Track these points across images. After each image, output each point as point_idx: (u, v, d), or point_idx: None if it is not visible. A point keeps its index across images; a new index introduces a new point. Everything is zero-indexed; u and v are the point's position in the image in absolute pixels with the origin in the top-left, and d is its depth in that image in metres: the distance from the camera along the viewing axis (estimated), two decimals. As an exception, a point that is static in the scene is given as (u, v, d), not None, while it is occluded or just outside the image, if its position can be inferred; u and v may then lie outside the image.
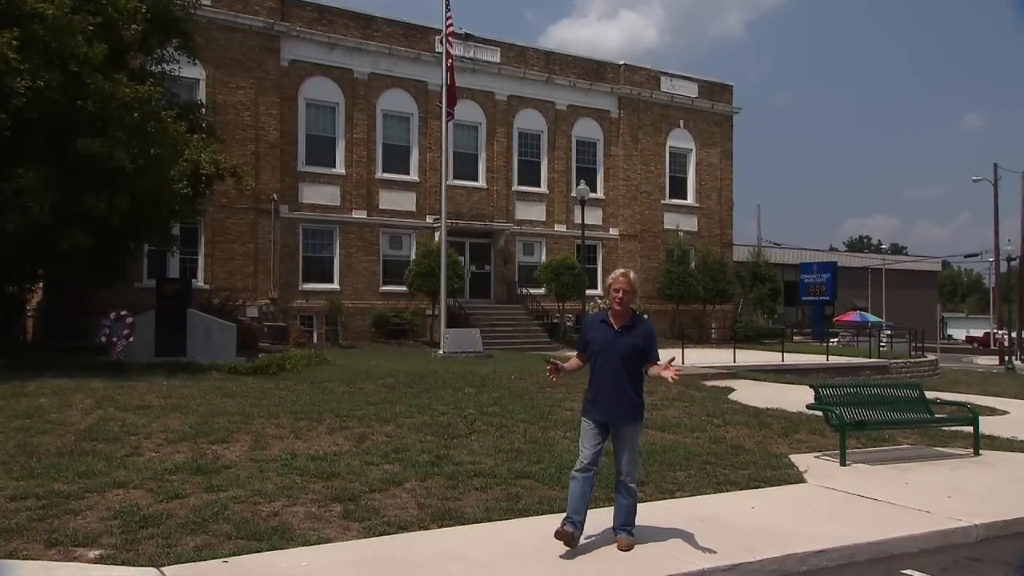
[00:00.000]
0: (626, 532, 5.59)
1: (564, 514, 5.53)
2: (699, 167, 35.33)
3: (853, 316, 43.60)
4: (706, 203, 35.53)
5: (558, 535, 5.35)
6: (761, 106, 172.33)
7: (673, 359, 5.62)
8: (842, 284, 42.59)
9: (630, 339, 5.59)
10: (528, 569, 5.07)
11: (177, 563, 5.03)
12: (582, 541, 5.51)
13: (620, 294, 5.63)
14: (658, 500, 6.99)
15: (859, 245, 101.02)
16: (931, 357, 30.15)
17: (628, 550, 5.43)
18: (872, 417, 9.41)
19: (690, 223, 34.93)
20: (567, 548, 5.34)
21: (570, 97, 32.22)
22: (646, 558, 5.35)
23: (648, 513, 6.53)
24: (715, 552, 5.50)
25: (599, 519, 5.90)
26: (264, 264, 25.95)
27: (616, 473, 5.67)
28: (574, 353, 5.94)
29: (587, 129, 32.86)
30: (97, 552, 5.21)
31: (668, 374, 5.41)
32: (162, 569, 4.93)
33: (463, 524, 6.08)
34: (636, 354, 5.58)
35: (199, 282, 24.19)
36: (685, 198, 35.14)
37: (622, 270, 5.77)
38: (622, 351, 5.56)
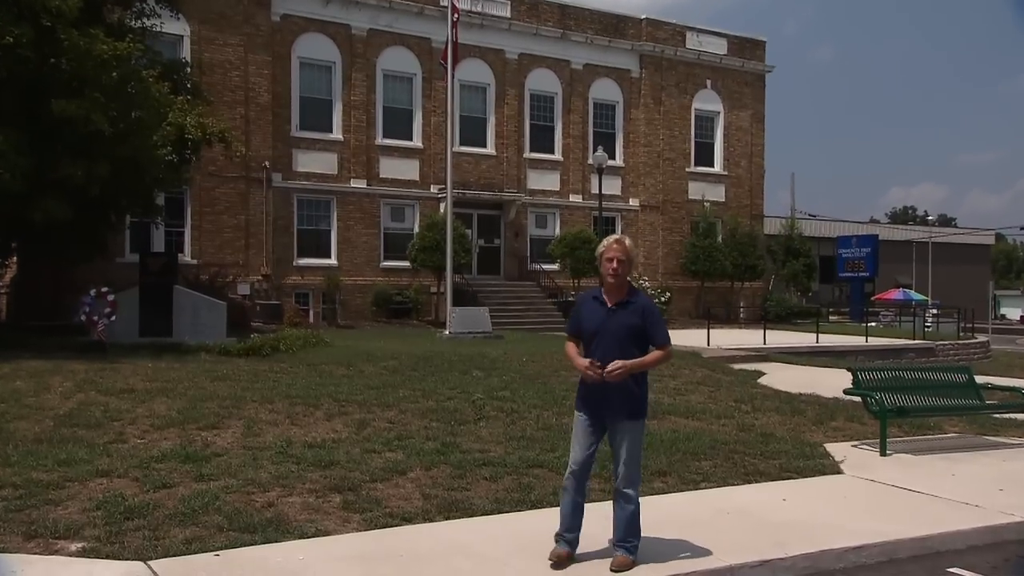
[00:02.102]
0: (625, 549, 5.14)
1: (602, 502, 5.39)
2: (728, 131, 35.06)
3: (896, 294, 43.34)
4: (735, 171, 35.30)
5: (550, 557, 5.09)
6: (797, 64, 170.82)
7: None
8: (884, 259, 42.27)
9: (625, 318, 5.10)
10: (541, 565, 5.10)
11: (165, 556, 5.08)
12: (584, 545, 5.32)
13: (614, 264, 5.10)
14: (681, 492, 7.01)
15: (903, 216, 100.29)
16: (982, 338, 30.02)
17: (626, 570, 5.02)
18: (916, 403, 9.38)
19: (717, 193, 34.74)
20: (556, 572, 5.00)
21: (587, 55, 31.94)
22: (668, 552, 5.36)
23: (671, 505, 6.56)
24: (743, 547, 5.51)
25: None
26: (256, 237, 26.02)
27: (613, 477, 5.27)
28: None
29: (605, 90, 32.61)
30: (79, 545, 5.27)
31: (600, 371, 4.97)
32: (149, 563, 4.97)
33: (471, 516, 6.11)
34: (633, 335, 5.08)
35: (186, 257, 24.30)
36: (712, 166, 34.92)
37: (616, 236, 5.29)
38: (616, 332, 5.06)
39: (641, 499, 6.66)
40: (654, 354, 5.17)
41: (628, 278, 5.25)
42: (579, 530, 5.19)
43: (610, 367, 4.97)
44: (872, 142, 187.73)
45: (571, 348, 5.32)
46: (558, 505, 6.21)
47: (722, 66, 34.77)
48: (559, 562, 5.07)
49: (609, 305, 5.14)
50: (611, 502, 5.33)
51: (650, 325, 5.13)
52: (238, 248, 25.74)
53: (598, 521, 5.49)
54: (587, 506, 5.33)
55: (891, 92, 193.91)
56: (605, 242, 5.23)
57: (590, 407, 5.15)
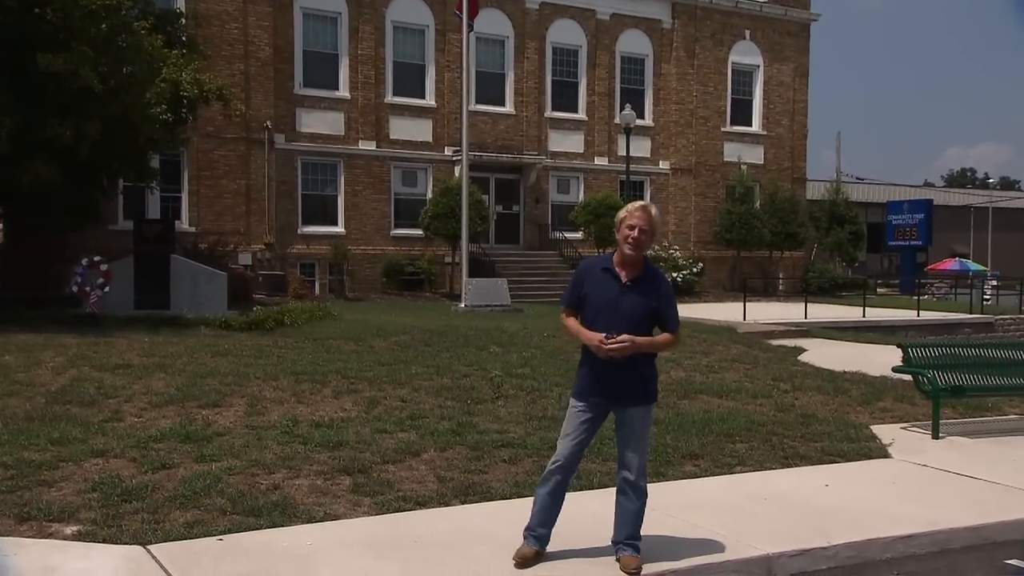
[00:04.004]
0: (632, 548, 4.97)
1: (605, 489, 5.43)
2: (768, 87, 34.65)
3: (951, 264, 42.85)
4: (775, 130, 34.94)
5: (514, 557, 4.93)
6: (844, 11, 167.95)
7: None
8: (938, 226, 41.81)
9: (641, 297, 4.90)
10: (562, 551, 5.12)
11: (165, 540, 5.16)
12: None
13: (636, 233, 4.88)
14: (714, 476, 7.03)
15: (961, 179, 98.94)
16: (1044, 313, 29.64)
17: (636, 572, 4.87)
18: (972, 382, 9.30)
19: (755, 154, 34.42)
20: (520, 570, 4.87)
21: (614, 4, 31.59)
22: (699, 539, 5.38)
23: (702, 490, 6.58)
24: (781, 535, 5.51)
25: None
26: (258, 204, 26.12)
27: (619, 468, 5.09)
28: None
29: (634, 43, 32.27)
30: (75, 528, 5.36)
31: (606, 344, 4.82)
32: (148, 547, 5.05)
33: (489, 500, 6.16)
34: (648, 316, 4.93)
35: (183, 224, 24.45)
36: (750, 125, 34.58)
37: (641, 202, 5.08)
38: (630, 313, 4.87)
39: (671, 484, 6.74)
40: (664, 337, 5.01)
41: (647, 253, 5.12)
42: (552, 526, 5.06)
43: (614, 344, 4.79)
44: (927, 97, 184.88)
45: (573, 322, 5.09)
46: (582, 490, 6.26)
47: (762, 15, 34.29)
48: (523, 562, 4.91)
49: (624, 280, 4.94)
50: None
51: (665, 307, 4.97)
52: (239, 215, 25.86)
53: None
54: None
55: (949, 42, 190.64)
56: (628, 207, 5.04)
57: (596, 393, 4.95)
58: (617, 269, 4.98)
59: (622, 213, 5.02)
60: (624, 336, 4.81)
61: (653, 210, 5.05)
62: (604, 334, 4.83)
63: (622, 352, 4.81)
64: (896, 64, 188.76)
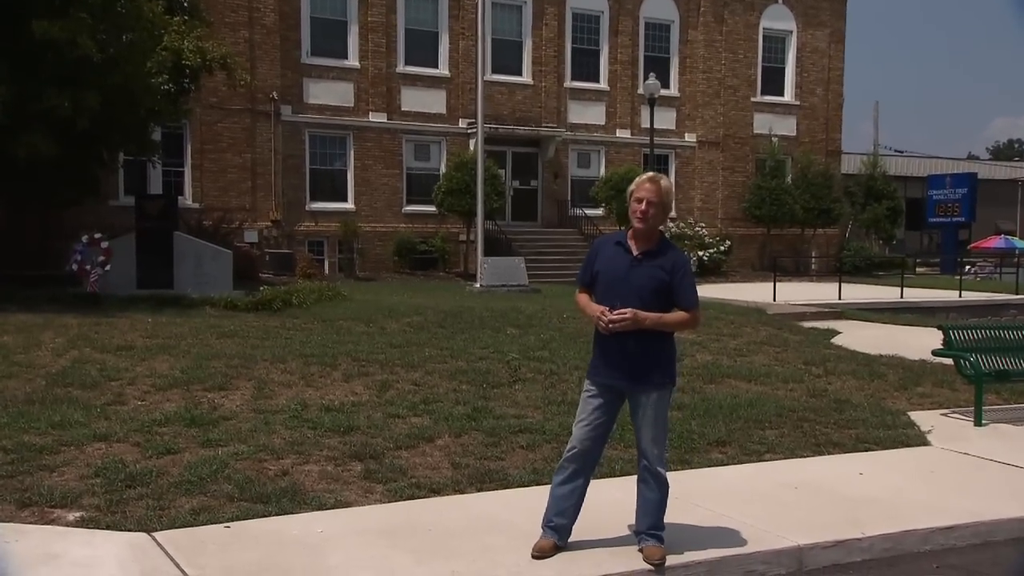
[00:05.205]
0: (655, 538, 4.98)
1: (627, 477, 5.43)
2: (801, 54, 34.32)
3: (996, 241, 42.46)
4: (809, 100, 34.63)
5: (533, 551, 4.93)
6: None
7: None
8: (983, 202, 41.38)
9: (653, 270, 4.88)
10: (581, 541, 5.14)
11: (171, 527, 5.22)
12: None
13: (643, 206, 4.88)
14: (742, 463, 7.04)
15: (1008, 152, 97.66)
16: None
17: (660, 563, 4.88)
18: (1018, 366, 9.25)
19: (787, 126, 34.15)
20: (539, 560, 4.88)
21: (638, -34, 31.35)
22: (726, 529, 5.39)
23: (730, 478, 6.58)
24: (813, 525, 5.51)
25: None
26: (264, 179, 26.18)
27: (639, 456, 5.09)
28: None
29: (659, 8, 32.01)
30: (78, 514, 5.43)
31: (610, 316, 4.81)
32: (153, 535, 5.12)
33: (506, 488, 6.19)
34: (657, 291, 4.88)
35: (186, 200, 24.56)
36: (781, 94, 34.29)
37: (651, 174, 5.05)
38: (641, 287, 4.86)
39: (697, 471, 6.75)
40: (678, 314, 4.96)
41: (661, 227, 5.11)
42: (572, 517, 5.04)
43: (614, 315, 4.77)
44: (972, 63, 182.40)
45: (583, 297, 5.11)
46: (603, 477, 6.26)
47: (796, -22, 33.92)
48: (541, 554, 4.91)
49: (635, 254, 4.94)
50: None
51: (678, 281, 4.91)
52: (244, 190, 25.94)
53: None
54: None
55: (995, 2, 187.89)
56: (637, 179, 5.03)
57: (605, 375, 4.94)
58: (629, 243, 5.00)
59: (631, 186, 5.02)
60: (626, 309, 4.80)
61: (663, 181, 5.01)
62: (607, 307, 4.84)
63: (621, 326, 4.79)
64: (939, 27, 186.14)
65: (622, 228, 4.88)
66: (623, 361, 4.89)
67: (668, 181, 5.11)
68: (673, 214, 31.31)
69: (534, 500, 5.53)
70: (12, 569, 4.57)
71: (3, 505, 5.53)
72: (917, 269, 35.78)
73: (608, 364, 4.95)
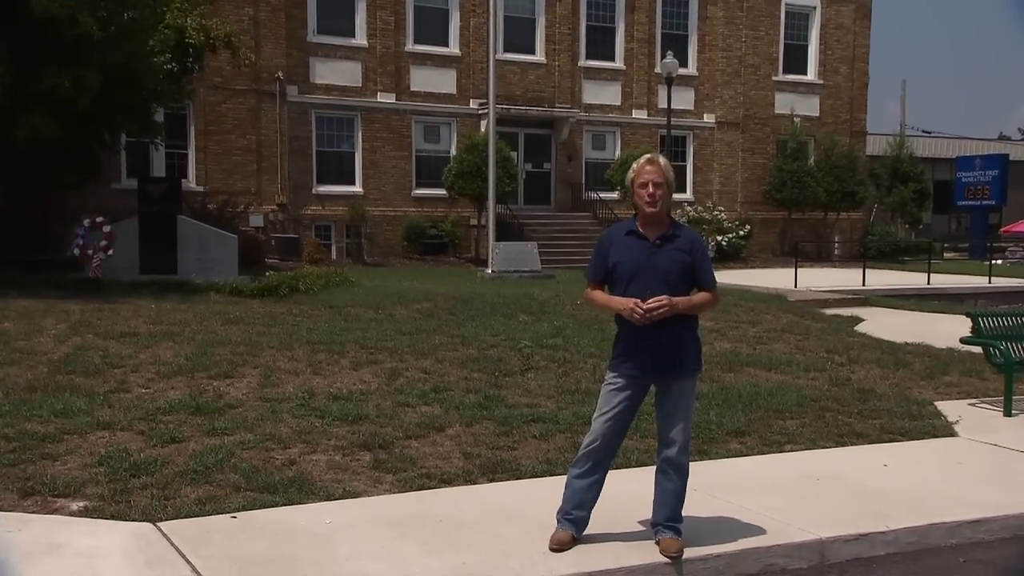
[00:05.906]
0: (673, 531, 4.99)
1: (644, 468, 5.44)
2: (825, 31, 34.07)
3: (1028, 225, 42.22)
4: (832, 79, 34.39)
5: (550, 544, 4.94)
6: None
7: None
8: (1015, 184, 41.02)
9: (675, 253, 4.91)
10: (595, 533, 5.15)
11: (176, 517, 5.26)
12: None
13: (650, 189, 4.90)
14: (762, 454, 7.04)
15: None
16: None
17: (678, 556, 4.89)
18: (1049, 355, 9.20)
19: (810, 106, 33.93)
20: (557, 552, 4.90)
21: (656, -60, 31.16)
22: (745, 522, 5.40)
23: (750, 469, 6.58)
24: (835, 518, 5.51)
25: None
26: (269, 161, 26.21)
27: (660, 446, 5.09)
28: None
29: (677, -18, 31.85)
30: (81, 504, 5.48)
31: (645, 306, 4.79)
32: (158, 524, 5.16)
33: (518, 478, 6.21)
34: (683, 274, 4.92)
35: (190, 183, 24.59)
36: (804, 73, 34.06)
37: (648, 155, 5.05)
38: (665, 271, 4.86)
39: (715, 462, 6.75)
40: (703, 296, 5.00)
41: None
42: (590, 509, 5.06)
43: (650, 303, 4.75)
44: (1005, 40, 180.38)
45: (600, 293, 5.11)
46: (619, 468, 6.27)
47: (819, -48, 33.64)
48: (560, 547, 4.92)
49: (650, 240, 4.95)
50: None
51: (699, 261, 4.98)
52: (249, 173, 25.97)
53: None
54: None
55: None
56: (635, 165, 5.02)
57: (635, 366, 4.92)
58: (642, 230, 5.00)
59: (631, 173, 5.03)
60: (662, 296, 4.80)
61: (662, 160, 5.01)
62: (637, 299, 4.81)
63: (661, 314, 4.79)
64: (969, 1, 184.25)
65: (634, 214, 4.84)
66: (657, 350, 4.89)
67: (665, 158, 5.11)
68: (691, 197, 31.31)
69: (547, 491, 5.55)
70: (15, 559, 4.61)
71: (5, 494, 5.58)
72: (945, 254, 35.56)
73: (636, 355, 4.93)
